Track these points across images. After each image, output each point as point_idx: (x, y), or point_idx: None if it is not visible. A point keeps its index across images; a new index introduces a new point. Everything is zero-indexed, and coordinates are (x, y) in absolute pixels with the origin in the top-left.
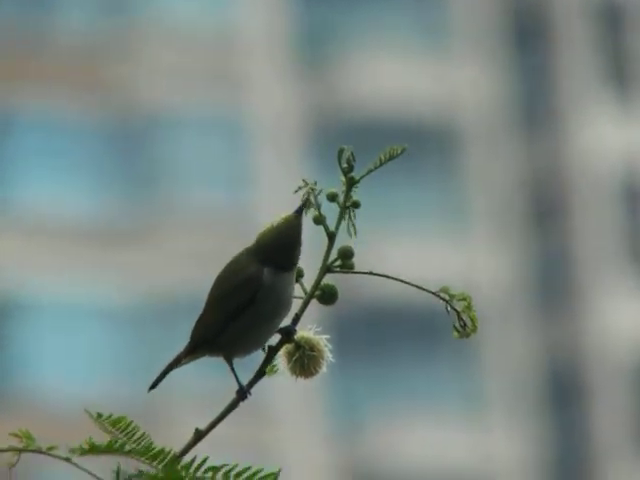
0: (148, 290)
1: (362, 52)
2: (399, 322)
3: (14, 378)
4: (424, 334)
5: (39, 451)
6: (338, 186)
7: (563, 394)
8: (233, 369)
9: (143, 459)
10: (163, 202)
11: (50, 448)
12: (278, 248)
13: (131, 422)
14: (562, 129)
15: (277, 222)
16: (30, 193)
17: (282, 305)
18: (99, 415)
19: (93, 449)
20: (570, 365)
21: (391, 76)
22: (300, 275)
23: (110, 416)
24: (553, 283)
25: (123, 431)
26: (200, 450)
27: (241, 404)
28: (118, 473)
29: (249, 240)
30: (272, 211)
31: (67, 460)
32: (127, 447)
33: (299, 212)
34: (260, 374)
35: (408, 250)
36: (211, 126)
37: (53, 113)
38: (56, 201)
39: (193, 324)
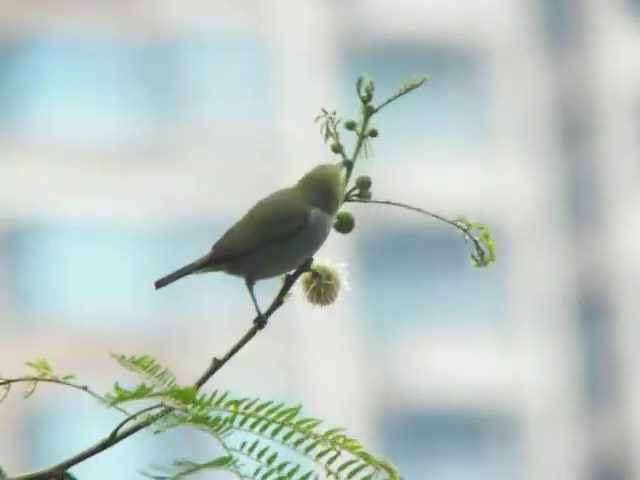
0: (173, 210)
1: None
2: (425, 243)
3: (38, 300)
4: (451, 254)
5: (55, 380)
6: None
7: (591, 313)
8: (253, 295)
9: (168, 399)
10: (188, 122)
11: (67, 377)
12: (325, 192)
13: (152, 361)
14: (589, 48)
15: (323, 169)
16: (54, 115)
17: (318, 244)
18: (122, 357)
19: (122, 397)
20: (598, 284)
21: None
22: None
23: (133, 357)
24: (581, 202)
25: (145, 368)
26: (228, 371)
27: (269, 325)
28: (150, 417)
29: (274, 162)
30: (298, 132)
31: (84, 389)
32: (154, 390)
33: (343, 165)
34: (278, 303)
35: (435, 171)
36: (237, 45)
37: (77, 33)
38: (80, 122)
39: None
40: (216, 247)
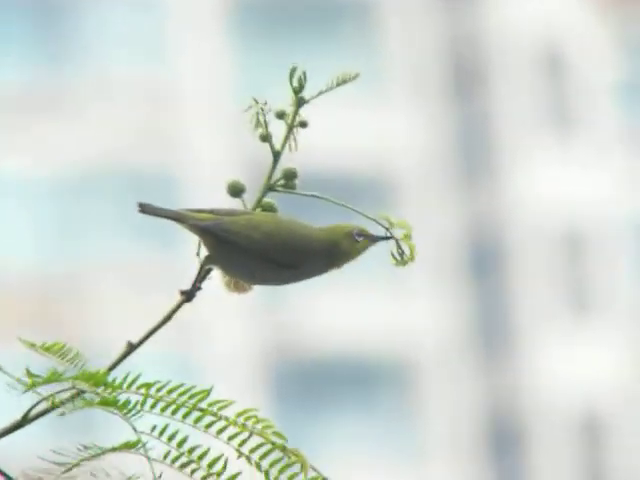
0: (66, 161)
1: None
2: None
3: None
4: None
5: None
6: (258, 63)
7: (484, 261)
8: (201, 271)
9: (79, 382)
10: (82, 72)
11: None
12: (334, 246)
13: (64, 345)
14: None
15: (347, 228)
16: None
17: (289, 283)
18: (32, 344)
19: (34, 383)
20: (491, 232)
21: None
22: (242, 191)
23: (44, 344)
24: (474, 151)
25: (57, 353)
26: (124, 319)
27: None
28: (54, 402)
29: (171, 112)
30: (193, 81)
31: None
32: (65, 375)
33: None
34: (206, 274)
35: (323, 119)
36: None
37: None
38: None
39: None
40: (219, 219)
